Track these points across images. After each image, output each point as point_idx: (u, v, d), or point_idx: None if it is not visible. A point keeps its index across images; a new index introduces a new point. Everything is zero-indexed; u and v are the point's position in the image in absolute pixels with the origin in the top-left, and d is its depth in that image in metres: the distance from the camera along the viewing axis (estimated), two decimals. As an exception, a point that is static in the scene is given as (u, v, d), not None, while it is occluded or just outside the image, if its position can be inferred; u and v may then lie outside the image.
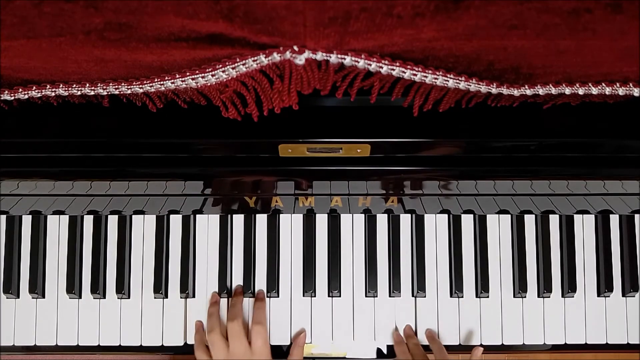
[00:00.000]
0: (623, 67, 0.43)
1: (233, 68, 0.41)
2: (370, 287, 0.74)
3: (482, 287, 0.74)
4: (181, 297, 0.74)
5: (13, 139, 0.53)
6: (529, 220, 0.76)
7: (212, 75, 0.42)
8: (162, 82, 0.44)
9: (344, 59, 0.39)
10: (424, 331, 0.73)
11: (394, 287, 0.74)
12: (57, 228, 0.75)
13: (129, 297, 0.74)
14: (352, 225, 0.76)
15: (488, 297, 0.74)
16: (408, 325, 0.74)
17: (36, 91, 0.47)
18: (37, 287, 0.74)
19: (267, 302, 0.74)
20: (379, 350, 0.74)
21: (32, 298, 0.74)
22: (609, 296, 0.75)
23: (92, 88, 0.46)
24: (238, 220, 0.76)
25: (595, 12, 0.35)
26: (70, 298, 0.74)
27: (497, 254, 0.75)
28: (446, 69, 0.43)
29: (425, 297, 0.74)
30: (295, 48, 0.38)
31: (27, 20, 0.36)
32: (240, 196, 0.68)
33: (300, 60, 0.39)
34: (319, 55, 0.39)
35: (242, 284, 0.74)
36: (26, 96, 0.47)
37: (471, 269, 0.75)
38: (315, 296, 0.74)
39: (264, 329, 0.69)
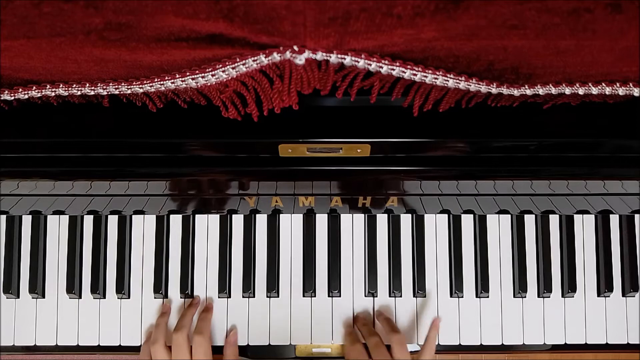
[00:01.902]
0: (623, 67, 0.43)
1: (233, 68, 0.41)
2: (370, 287, 0.74)
3: (482, 287, 0.74)
4: (181, 297, 0.74)
5: (13, 139, 0.53)
6: (529, 220, 0.76)
7: (212, 75, 0.42)
8: (162, 82, 0.44)
9: (344, 59, 0.39)
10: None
11: (394, 287, 0.74)
12: (57, 228, 0.75)
13: (129, 297, 0.74)
14: (352, 225, 0.76)
15: (488, 297, 0.74)
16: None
17: (36, 91, 0.47)
18: (37, 287, 0.74)
19: (267, 302, 0.74)
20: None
21: (32, 298, 0.74)
22: (609, 296, 0.75)
23: (92, 88, 0.46)
24: (238, 220, 0.76)
25: (595, 12, 0.35)
26: (70, 298, 0.74)
27: (497, 254, 0.75)
28: (446, 69, 0.43)
29: (425, 297, 0.74)
30: (295, 48, 0.38)
31: (27, 20, 0.36)
32: (240, 196, 0.68)
33: (300, 60, 0.39)
34: (319, 55, 0.39)
35: (242, 284, 0.74)
36: (26, 96, 0.47)
37: (471, 269, 0.75)
38: (315, 296, 0.74)
39: (205, 340, 0.67)
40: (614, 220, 0.76)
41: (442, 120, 0.51)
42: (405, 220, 0.76)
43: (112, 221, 0.75)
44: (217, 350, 0.72)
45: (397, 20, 0.35)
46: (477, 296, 0.74)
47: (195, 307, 0.73)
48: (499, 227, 0.76)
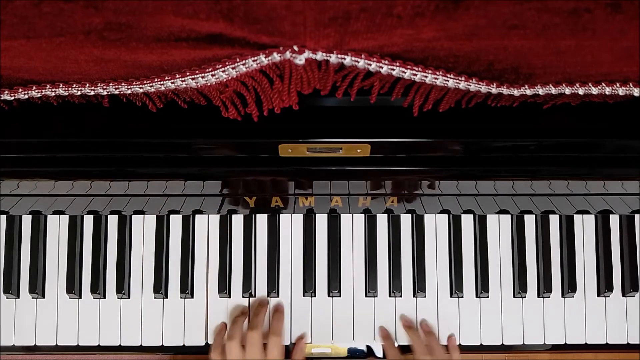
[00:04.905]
0: (623, 67, 0.43)
1: (233, 68, 0.41)
2: (370, 287, 0.74)
3: (482, 287, 0.74)
4: (181, 297, 0.74)
5: (13, 139, 0.53)
6: (529, 220, 0.76)
7: (212, 75, 0.42)
8: (162, 82, 0.44)
9: (344, 59, 0.39)
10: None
11: (394, 287, 0.74)
12: (57, 228, 0.75)
13: (129, 297, 0.74)
14: (352, 225, 0.76)
15: (488, 297, 0.74)
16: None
17: (36, 91, 0.47)
18: (37, 287, 0.74)
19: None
20: (379, 350, 0.74)
21: (32, 298, 0.74)
22: (609, 296, 0.75)
23: (92, 88, 0.46)
24: (238, 220, 0.76)
25: (595, 12, 0.35)
26: (70, 298, 0.74)
27: (497, 254, 0.75)
28: (446, 69, 0.43)
29: (425, 297, 0.74)
30: (295, 48, 0.38)
31: (27, 20, 0.36)
32: (240, 196, 0.68)
33: (300, 60, 0.39)
34: (319, 55, 0.39)
35: (242, 283, 0.74)
36: (26, 96, 0.47)
37: (471, 269, 0.75)
38: (315, 296, 0.74)
39: (280, 340, 0.69)
40: (614, 220, 0.76)
41: (442, 120, 0.51)
42: (405, 220, 0.76)
43: (112, 221, 0.75)
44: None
45: (397, 20, 0.35)
46: (477, 296, 0.74)
47: (266, 305, 0.73)
48: (499, 227, 0.76)
